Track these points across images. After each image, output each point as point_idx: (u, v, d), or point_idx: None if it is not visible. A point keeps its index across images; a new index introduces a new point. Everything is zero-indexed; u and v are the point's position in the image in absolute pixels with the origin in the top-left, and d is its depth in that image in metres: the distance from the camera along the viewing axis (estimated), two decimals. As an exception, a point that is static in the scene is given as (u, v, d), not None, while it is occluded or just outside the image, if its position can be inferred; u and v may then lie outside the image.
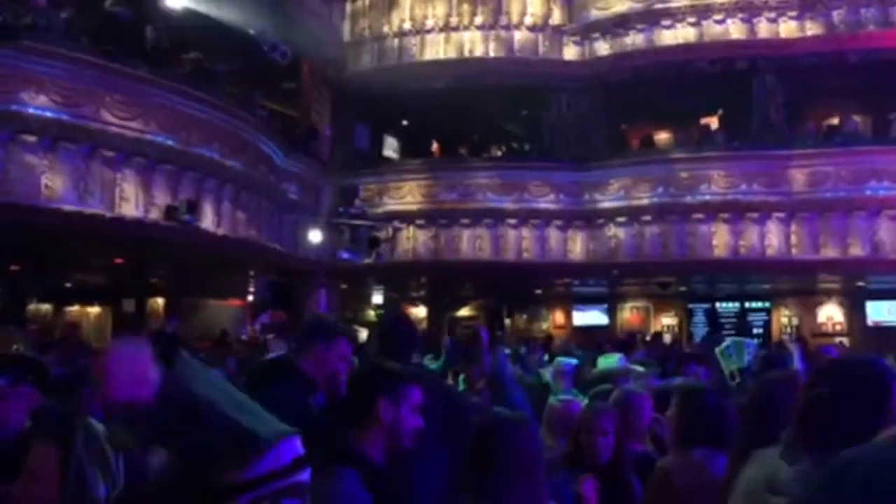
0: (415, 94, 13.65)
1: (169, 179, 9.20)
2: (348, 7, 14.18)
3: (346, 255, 12.49)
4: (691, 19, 12.64)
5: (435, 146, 15.19)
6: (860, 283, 13.83)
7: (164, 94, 9.06)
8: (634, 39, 12.94)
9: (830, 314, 14.64)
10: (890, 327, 13.94)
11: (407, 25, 13.63)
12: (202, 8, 10.12)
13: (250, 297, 15.32)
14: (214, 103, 9.84)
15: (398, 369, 2.38)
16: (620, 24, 12.98)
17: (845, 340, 13.98)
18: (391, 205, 13.42)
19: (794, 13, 12.36)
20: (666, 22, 12.73)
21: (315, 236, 12.41)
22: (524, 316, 16.69)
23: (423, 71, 13.56)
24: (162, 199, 9.01)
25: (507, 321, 16.75)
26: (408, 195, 13.43)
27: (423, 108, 14.15)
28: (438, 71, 13.47)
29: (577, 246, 13.00)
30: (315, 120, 13.64)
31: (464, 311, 16.86)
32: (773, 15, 12.46)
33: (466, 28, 13.39)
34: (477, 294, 16.57)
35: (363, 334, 11.12)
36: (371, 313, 16.67)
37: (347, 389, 2.47)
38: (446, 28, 13.46)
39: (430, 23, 13.51)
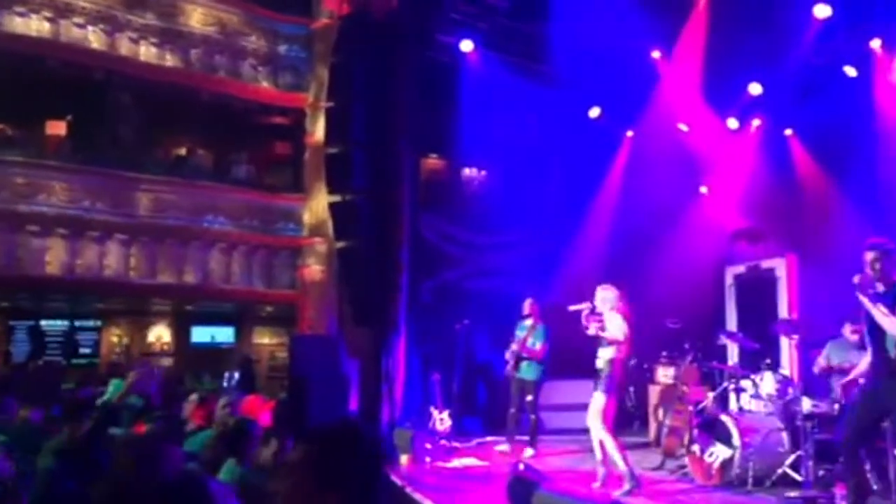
0: None
1: None
2: None
3: None
4: (48, 14, 11.60)
5: None
6: (189, 308, 14.76)
7: None
8: (-22, 17, 11.17)
9: (160, 334, 15.18)
10: (209, 348, 15.30)
11: None
12: None
13: None
14: None
15: None
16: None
17: (170, 360, 14.73)
18: None
19: (155, 40, 12.55)
20: (19, 9, 11.37)
21: None
22: None
23: None
24: None
25: None
26: None
27: None
28: None
29: None
30: None
31: None
32: (135, 35, 12.41)
33: None
34: None
35: None
36: None
37: None
38: None
39: None
